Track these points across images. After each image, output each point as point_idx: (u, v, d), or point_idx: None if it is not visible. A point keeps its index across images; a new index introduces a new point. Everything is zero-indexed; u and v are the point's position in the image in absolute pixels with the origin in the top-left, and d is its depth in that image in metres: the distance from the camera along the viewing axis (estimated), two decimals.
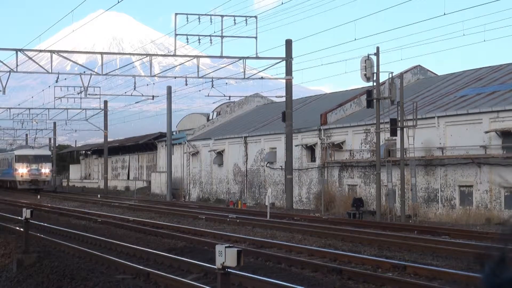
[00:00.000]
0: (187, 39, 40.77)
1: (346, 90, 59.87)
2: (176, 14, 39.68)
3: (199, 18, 39.80)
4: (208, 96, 50.26)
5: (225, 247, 8.69)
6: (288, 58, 41.69)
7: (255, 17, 40.73)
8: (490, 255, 2.50)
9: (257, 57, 41.48)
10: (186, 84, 46.65)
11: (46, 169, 76.57)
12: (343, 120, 45.44)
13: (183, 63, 46.58)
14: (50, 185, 78.84)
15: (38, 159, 77.05)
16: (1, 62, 40.87)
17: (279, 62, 42.78)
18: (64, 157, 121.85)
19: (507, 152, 33.80)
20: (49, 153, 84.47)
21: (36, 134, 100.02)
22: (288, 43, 42.31)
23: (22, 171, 75.27)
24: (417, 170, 35.31)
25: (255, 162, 53.24)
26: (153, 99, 59.98)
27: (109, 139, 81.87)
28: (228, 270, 8.80)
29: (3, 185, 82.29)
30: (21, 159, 76.72)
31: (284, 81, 42.86)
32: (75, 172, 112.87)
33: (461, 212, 34.35)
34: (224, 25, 40.49)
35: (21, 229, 21.72)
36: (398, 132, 33.06)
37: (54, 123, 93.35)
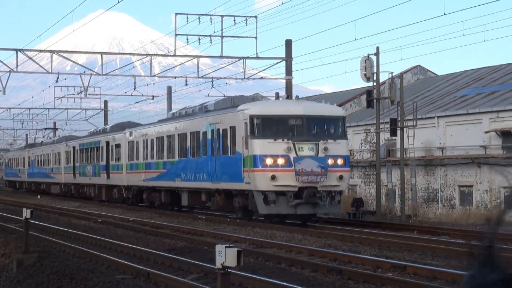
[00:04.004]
0: (187, 39, 40.74)
1: (346, 90, 59.88)
2: (176, 14, 39.65)
3: (199, 18, 39.78)
4: (208, 96, 50.17)
5: (225, 247, 8.70)
6: (288, 58, 41.68)
7: (255, 17, 40.73)
8: (475, 255, 2.47)
9: (257, 57, 41.46)
10: (186, 84, 46.63)
11: None
12: None
13: (183, 63, 46.57)
14: None
15: None
16: (1, 62, 40.85)
17: (279, 62, 42.76)
18: None
19: (507, 152, 33.82)
20: None
21: (36, 134, 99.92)
22: (288, 43, 42.29)
23: None
24: (417, 170, 35.32)
25: None
26: (153, 99, 59.98)
27: None
28: (228, 270, 8.80)
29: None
30: None
31: (284, 81, 42.86)
32: None
33: (461, 212, 34.36)
34: (224, 25, 40.44)
35: (21, 229, 21.72)
36: (398, 132, 33.10)
37: (54, 123, 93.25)
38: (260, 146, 27.23)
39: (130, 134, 42.31)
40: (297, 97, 31.05)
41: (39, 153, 69.19)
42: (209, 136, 31.28)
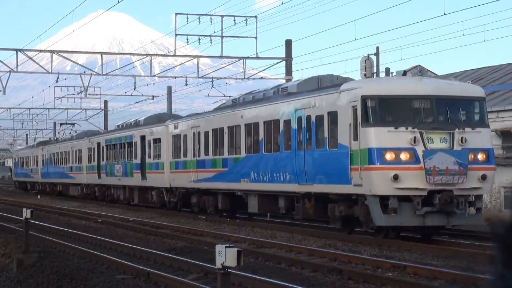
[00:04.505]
0: (187, 39, 40.80)
1: None
2: (176, 14, 39.75)
3: (199, 18, 39.83)
4: (208, 96, 50.32)
5: (225, 247, 8.70)
6: (288, 58, 41.72)
7: (255, 17, 40.79)
8: (497, 258, 2.43)
9: (257, 57, 41.51)
10: (186, 84, 46.71)
11: None
12: None
13: (183, 63, 46.62)
14: None
15: None
16: (1, 62, 40.89)
17: (279, 62, 42.81)
18: None
19: (507, 152, 33.82)
20: None
21: (36, 134, 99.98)
22: (288, 43, 42.34)
23: None
24: None
25: None
26: (153, 99, 60.08)
27: None
28: (228, 270, 8.80)
29: None
30: None
31: (284, 81, 42.86)
32: None
33: None
34: (224, 25, 40.52)
35: (21, 229, 21.72)
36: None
37: (54, 123, 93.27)
38: (377, 137, 21.04)
39: (175, 126, 35.59)
40: (419, 72, 24.93)
41: (55, 150, 62.09)
42: (293, 125, 24.83)
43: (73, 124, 69.21)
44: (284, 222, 28.10)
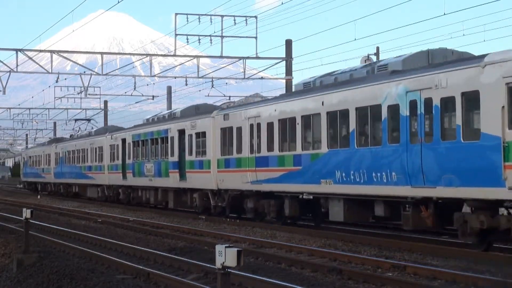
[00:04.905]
0: (187, 39, 40.78)
1: None
2: (176, 14, 39.70)
3: (199, 18, 39.82)
4: (208, 96, 50.32)
5: (225, 247, 8.70)
6: (288, 58, 41.71)
7: (255, 17, 40.76)
8: None
9: (257, 57, 41.49)
10: (186, 84, 46.65)
11: None
12: None
13: (183, 63, 46.57)
14: None
15: None
16: (1, 62, 40.87)
17: (279, 62, 42.80)
18: None
19: None
20: None
21: (36, 134, 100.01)
22: (288, 43, 42.32)
23: None
24: None
25: None
26: (153, 99, 60.02)
27: None
28: (228, 270, 8.80)
29: None
30: None
31: (284, 81, 42.86)
32: None
33: None
34: (224, 25, 40.52)
35: (21, 229, 21.73)
36: None
37: (54, 123, 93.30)
38: None
39: (225, 117, 30.33)
40: None
41: (71, 148, 56.71)
42: (404, 111, 19.76)
43: (89, 120, 64.75)
44: (284, 222, 27.92)
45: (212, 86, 46.80)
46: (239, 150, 28.97)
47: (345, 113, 22.39)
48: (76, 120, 66.44)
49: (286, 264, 17.22)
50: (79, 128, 64.67)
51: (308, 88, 25.52)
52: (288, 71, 42.24)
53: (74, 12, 41.10)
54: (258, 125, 27.54)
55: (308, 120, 24.44)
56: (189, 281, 14.52)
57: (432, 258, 17.93)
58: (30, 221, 19.34)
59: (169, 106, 58.98)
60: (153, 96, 58.70)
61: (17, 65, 40.58)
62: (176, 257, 18.01)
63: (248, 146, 28.25)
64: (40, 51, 43.13)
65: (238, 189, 29.24)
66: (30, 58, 40.72)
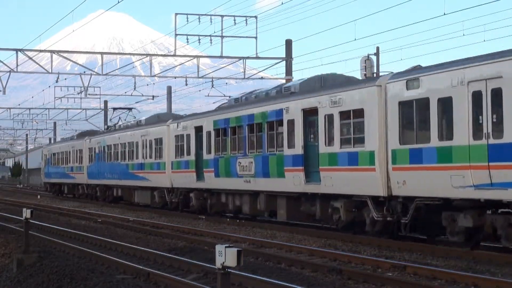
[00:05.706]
0: (187, 39, 40.83)
1: None
2: (176, 14, 39.77)
3: (199, 18, 39.86)
4: (208, 96, 50.37)
5: (225, 247, 8.70)
6: (288, 58, 41.71)
7: (255, 17, 40.80)
8: None
9: (257, 57, 41.53)
10: (186, 84, 46.70)
11: None
12: None
13: (183, 63, 46.61)
14: None
15: None
16: (1, 62, 40.89)
17: (279, 62, 42.81)
18: None
19: None
20: None
21: (36, 134, 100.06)
22: (288, 43, 42.33)
23: None
24: None
25: None
26: (153, 99, 60.06)
27: None
28: (228, 270, 8.80)
29: None
30: None
31: (284, 81, 42.86)
32: None
33: None
34: (224, 25, 40.59)
35: (21, 229, 21.72)
36: None
37: (54, 123, 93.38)
38: None
39: (411, 84, 20.18)
40: None
41: (112, 142, 45.78)
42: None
43: (130, 109, 53.39)
44: (284, 222, 27.98)
45: (212, 86, 46.85)
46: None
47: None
48: (114, 109, 55.62)
49: (286, 264, 17.22)
50: (119, 118, 53.96)
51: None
52: (288, 71, 42.25)
53: (74, 12, 41.13)
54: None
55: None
56: (189, 281, 14.52)
57: (432, 258, 17.94)
58: (30, 221, 19.33)
59: (169, 106, 59.00)
60: (153, 96, 58.73)
61: (17, 65, 40.63)
62: (176, 257, 18.01)
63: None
64: (40, 51, 43.16)
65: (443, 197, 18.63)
66: (30, 58, 40.74)
